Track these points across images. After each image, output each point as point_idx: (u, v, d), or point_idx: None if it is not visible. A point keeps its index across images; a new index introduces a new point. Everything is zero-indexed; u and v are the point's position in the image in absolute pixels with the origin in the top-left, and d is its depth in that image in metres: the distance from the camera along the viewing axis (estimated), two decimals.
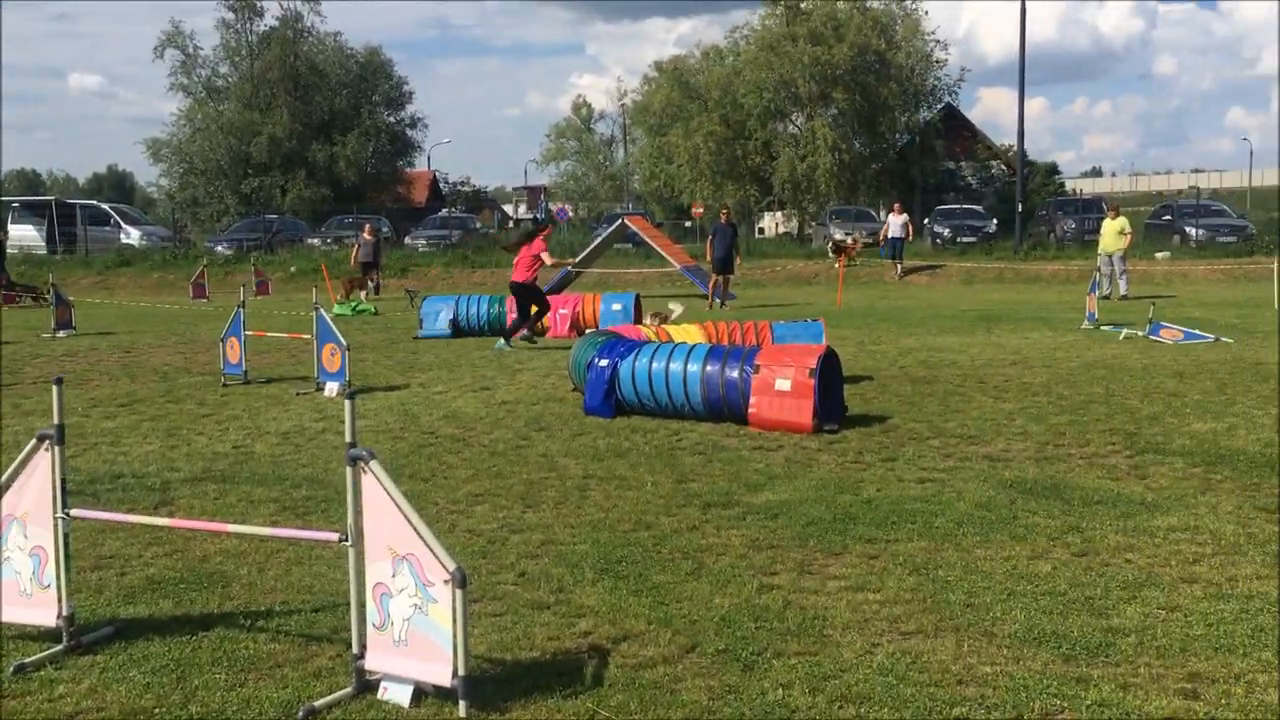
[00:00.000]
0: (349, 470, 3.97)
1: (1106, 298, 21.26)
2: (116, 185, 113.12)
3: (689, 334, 11.32)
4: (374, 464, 3.89)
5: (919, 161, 45.60)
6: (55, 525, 4.52)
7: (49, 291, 19.09)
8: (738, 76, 42.88)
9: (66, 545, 4.55)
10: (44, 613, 4.58)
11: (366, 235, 25.96)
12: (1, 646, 4.59)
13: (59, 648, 4.51)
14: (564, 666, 4.30)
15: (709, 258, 22.47)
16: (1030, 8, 34.25)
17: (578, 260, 25.25)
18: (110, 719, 3.95)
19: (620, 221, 25.77)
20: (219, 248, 37.01)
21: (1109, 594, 4.99)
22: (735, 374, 9.05)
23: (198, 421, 9.74)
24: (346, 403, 3.98)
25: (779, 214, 50.15)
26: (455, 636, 3.81)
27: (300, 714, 3.86)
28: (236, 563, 5.66)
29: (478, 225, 45.04)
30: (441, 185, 68.00)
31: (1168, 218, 34.58)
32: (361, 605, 4.05)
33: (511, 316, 17.03)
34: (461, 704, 3.85)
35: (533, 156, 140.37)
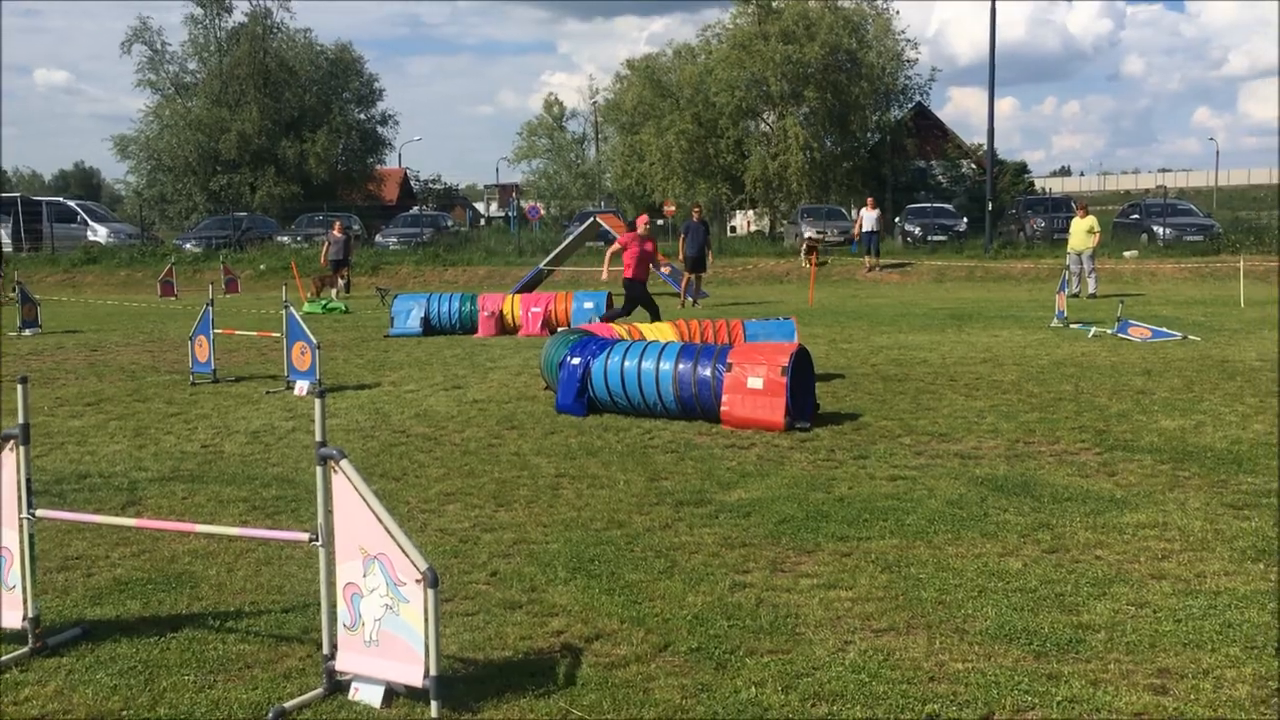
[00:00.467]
0: (319, 469, 3.93)
1: (1076, 296, 21.42)
2: (83, 182, 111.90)
3: (661, 332, 11.32)
4: (344, 463, 3.86)
5: (890, 160, 45.83)
6: (20, 526, 4.46)
7: (14, 289, 18.85)
8: (709, 75, 42.92)
9: (32, 546, 4.49)
10: (9, 614, 4.52)
11: (336, 233, 25.81)
12: None
13: (24, 650, 4.45)
14: (536, 666, 4.28)
15: (681, 256, 22.48)
16: (1000, 8, 34.79)
17: (549, 258, 25.20)
18: None
19: (592, 220, 25.72)
20: (187, 245, 36.70)
21: (1079, 590, 5.02)
22: (707, 372, 9.06)
23: (166, 420, 9.65)
24: (316, 401, 3.95)
25: (751, 212, 50.26)
26: (427, 636, 3.78)
27: (270, 715, 3.83)
28: (205, 563, 5.61)
29: (449, 223, 44.83)
30: (413, 183, 67.71)
31: (1135, 217, 34.89)
32: (332, 605, 4.02)
33: (483, 315, 17.01)
34: (433, 704, 3.83)
35: (504, 154, 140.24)
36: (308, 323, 11.30)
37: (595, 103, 62.13)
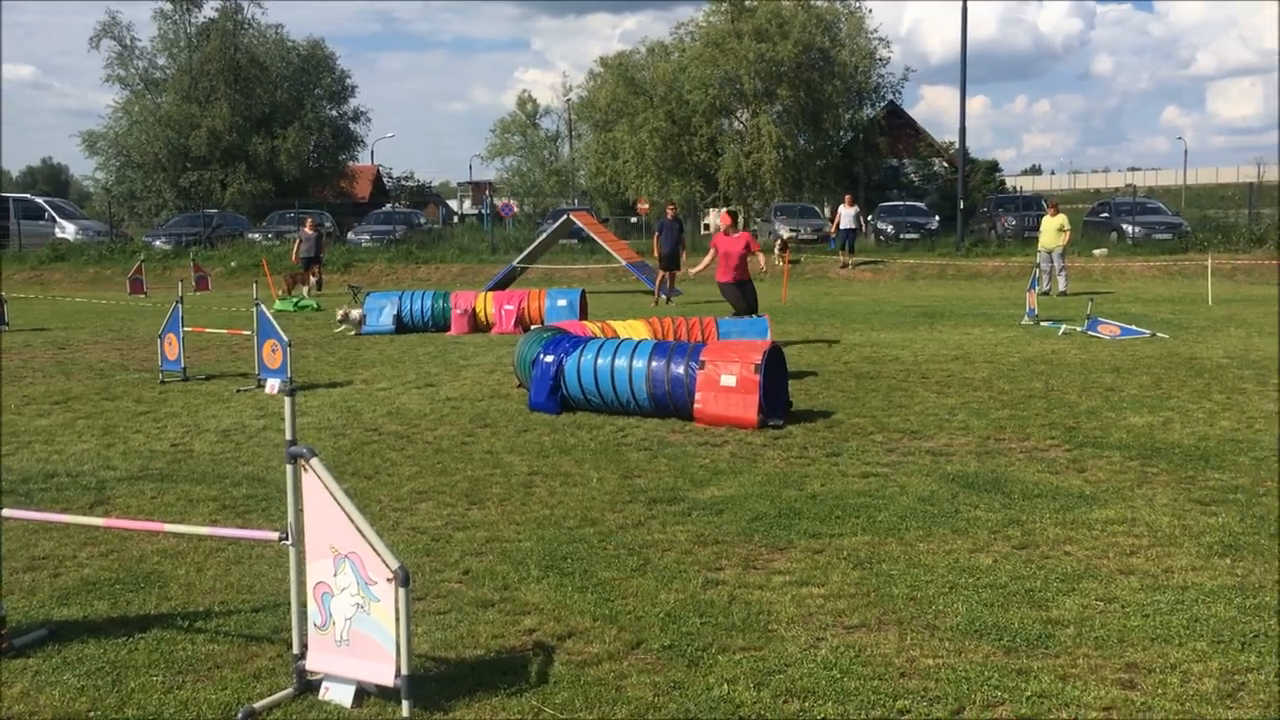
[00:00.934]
0: (289, 468, 3.91)
1: (1046, 294, 21.56)
2: (51, 178, 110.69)
3: (635, 330, 11.32)
4: (315, 461, 3.84)
5: (863, 158, 46.03)
6: None
7: None
8: (683, 73, 42.94)
9: None
10: None
11: (308, 230, 25.65)
12: None
13: None
14: (508, 664, 4.27)
15: (655, 253, 22.47)
16: (971, 7, 34.96)
17: (523, 256, 25.16)
18: None
19: (566, 217, 25.70)
20: (157, 242, 36.37)
21: (1048, 586, 5.05)
22: (680, 370, 9.06)
23: (135, 419, 9.56)
24: (286, 399, 3.92)
25: (724, 210, 50.28)
26: (398, 635, 3.77)
27: (240, 716, 3.80)
28: (174, 563, 5.56)
29: (422, 221, 44.65)
30: (385, 180, 67.41)
31: (1105, 215, 35.16)
32: (302, 605, 4.00)
33: (456, 313, 16.97)
34: (404, 704, 3.81)
35: (478, 152, 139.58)
36: (279, 321, 11.23)
37: (569, 100, 62.08)
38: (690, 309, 19.11)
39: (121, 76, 51.35)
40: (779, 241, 31.40)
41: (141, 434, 8.92)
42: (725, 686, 4.05)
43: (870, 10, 60.57)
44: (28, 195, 46.31)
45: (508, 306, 16.99)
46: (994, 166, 57.90)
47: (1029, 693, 3.96)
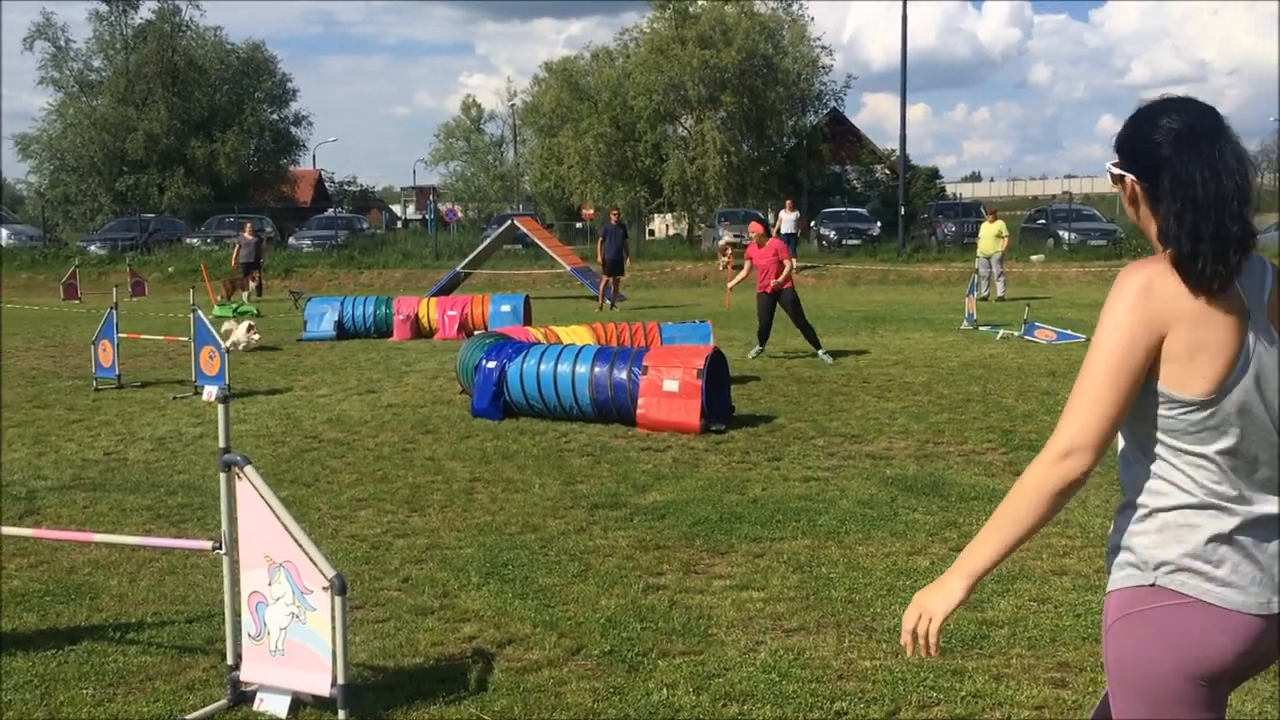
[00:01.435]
0: (222, 476, 3.86)
1: (985, 299, 21.87)
2: None
3: (578, 335, 11.31)
4: (249, 469, 3.79)
5: (806, 165, 46.39)
6: None
7: None
8: (627, 79, 43.06)
9: None
10: None
11: (248, 235, 25.34)
12: None
13: None
14: (447, 672, 4.25)
15: (599, 259, 22.49)
16: (911, 15, 35.32)
17: (467, 261, 25.05)
18: None
19: (510, 222, 25.63)
20: (92, 247, 35.75)
21: (983, 587, 5.12)
22: (623, 375, 9.07)
23: (67, 427, 9.38)
24: (219, 406, 3.87)
25: (669, 216, 50.47)
26: (334, 644, 3.73)
27: None
28: (106, 574, 5.46)
29: (365, 226, 44.29)
30: (328, 184, 66.79)
31: (1042, 221, 35.75)
32: (236, 615, 3.95)
33: (399, 319, 16.84)
34: (341, 713, 3.77)
35: (422, 156, 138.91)
36: (218, 326, 11.07)
37: (513, 105, 61.90)
38: (634, 314, 19.14)
39: (56, 79, 50.39)
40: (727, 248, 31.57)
41: (74, 442, 8.75)
42: (665, 691, 4.06)
43: (813, 18, 61.05)
44: None
45: (451, 312, 16.91)
46: (934, 173, 58.61)
47: (964, 693, 4.01)
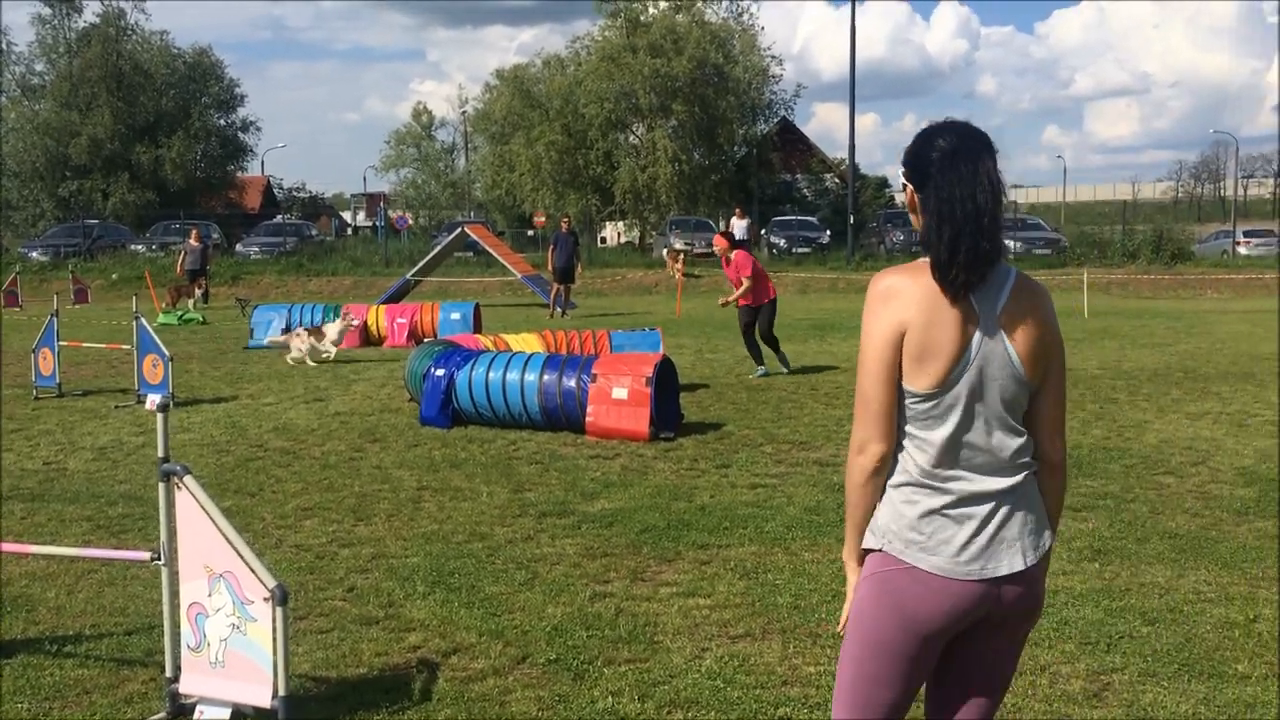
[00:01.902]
0: (161, 486, 3.82)
1: None
2: None
3: (528, 343, 11.29)
4: (188, 479, 3.75)
5: (756, 173, 46.66)
6: None
7: None
8: (579, 86, 43.08)
9: None
10: None
11: (193, 241, 25.05)
12: None
13: None
14: (391, 682, 4.22)
15: (550, 266, 22.46)
16: (860, 26, 35.47)
17: (417, 269, 24.91)
18: None
19: (461, 230, 25.52)
20: (34, 254, 35.11)
21: None
22: (572, 383, 9.07)
23: (6, 437, 9.20)
24: (158, 415, 3.82)
25: (621, 223, 50.54)
26: (275, 655, 3.69)
27: None
28: (44, 585, 5.37)
29: (313, 233, 43.91)
30: (276, 191, 66.10)
31: None
32: (176, 626, 3.90)
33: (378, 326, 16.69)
34: None
35: (372, 163, 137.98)
36: (163, 334, 10.93)
37: (465, 112, 61.77)
38: (585, 322, 19.14)
39: None
40: (681, 256, 31.68)
41: (12, 452, 8.59)
42: (610, 699, 4.06)
43: (763, 28, 61.65)
44: None
45: (400, 320, 16.80)
46: (884, 182, 59.18)
47: None
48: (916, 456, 2.39)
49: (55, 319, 11.34)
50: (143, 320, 10.80)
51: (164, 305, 22.51)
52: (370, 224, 65.32)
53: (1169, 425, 9.31)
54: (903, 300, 2.34)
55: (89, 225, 38.73)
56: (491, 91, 49.09)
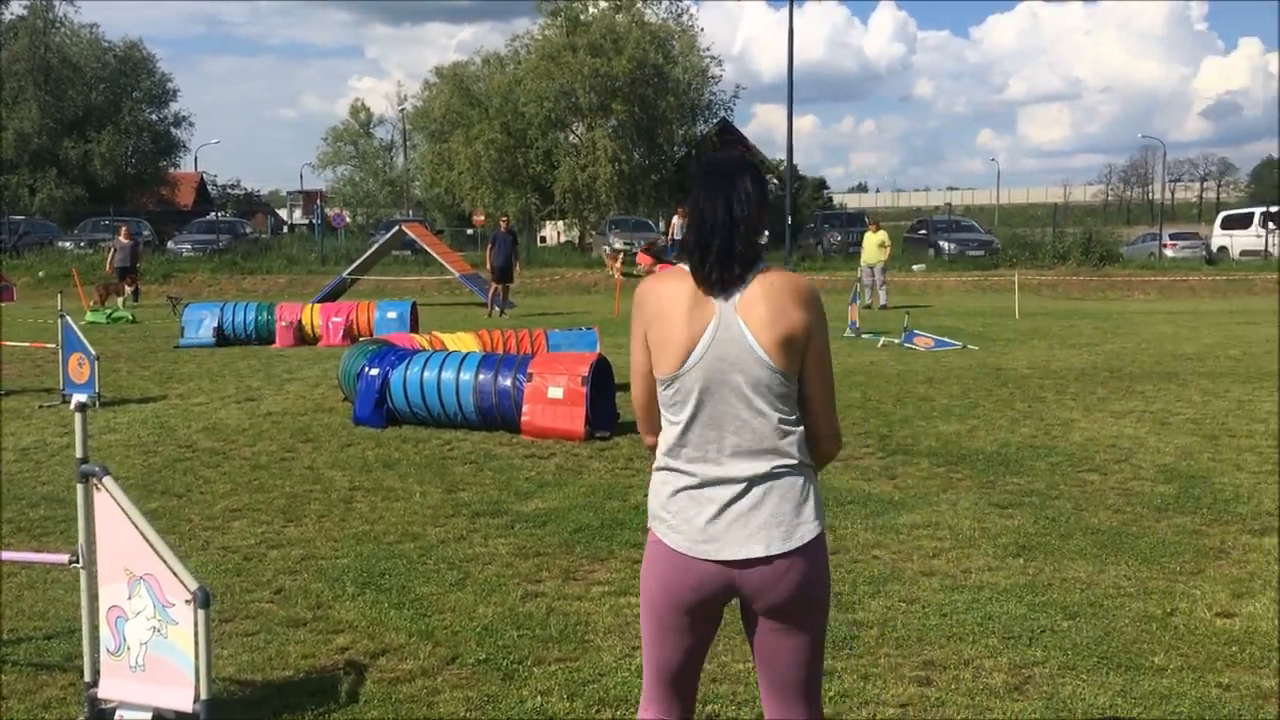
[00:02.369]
0: (79, 487, 3.74)
1: (868, 307, 22.35)
2: None
3: (464, 342, 11.22)
4: (107, 480, 3.68)
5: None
6: None
7: None
8: (519, 85, 42.93)
9: None
10: None
11: (123, 238, 24.56)
12: None
13: None
14: (318, 685, 4.18)
15: (488, 265, 22.36)
16: (799, 29, 35.80)
17: (353, 267, 24.66)
18: None
19: (398, 228, 25.30)
20: None
21: (856, 589, 5.24)
22: (508, 382, 9.04)
23: None
24: (77, 415, 3.75)
25: (560, 223, 50.44)
26: (197, 659, 3.64)
27: None
28: None
29: (248, 230, 43.27)
30: (210, 187, 65.15)
31: (923, 232, 36.75)
32: (95, 630, 3.83)
33: (281, 325, 16.49)
34: None
35: (309, 160, 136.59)
36: (91, 333, 10.72)
37: (403, 109, 61.29)
38: (523, 321, 19.08)
39: None
40: (628, 256, 31.70)
41: None
42: (539, 699, 4.06)
43: (702, 29, 61.76)
44: None
45: (336, 319, 16.62)
46: (822, 184, 59.77)
47: (832, 692, 4.09)
48: (668, 439, 2.61)
49: None
50: (68, 318, 10.57)
51: (92, 303, 22.07)
52: (307, 222, 64.58)
53: (1094, 424, 9.51)
54: (648, 304, 2.62)
55: (14, 221, 37.84)
56: (431, 89, 48.76)
